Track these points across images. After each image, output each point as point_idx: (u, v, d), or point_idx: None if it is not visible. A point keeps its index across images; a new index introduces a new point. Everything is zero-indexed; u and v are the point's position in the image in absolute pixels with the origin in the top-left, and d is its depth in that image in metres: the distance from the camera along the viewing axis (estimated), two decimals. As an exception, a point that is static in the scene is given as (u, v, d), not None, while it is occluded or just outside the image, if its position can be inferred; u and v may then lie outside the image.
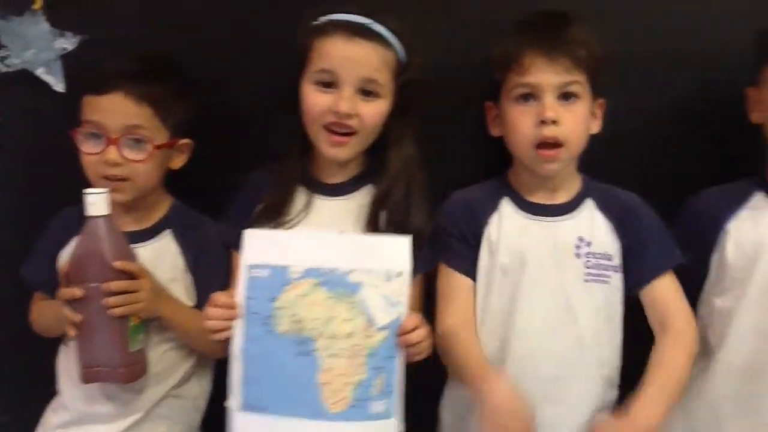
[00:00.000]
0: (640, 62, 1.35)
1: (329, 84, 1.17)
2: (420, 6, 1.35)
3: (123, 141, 1.21)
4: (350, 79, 1.16)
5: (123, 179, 1.23)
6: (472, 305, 1.23)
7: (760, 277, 1.20)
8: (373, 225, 1.20)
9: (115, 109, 1.21)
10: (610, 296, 1.22)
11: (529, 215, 1.25)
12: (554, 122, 1.17)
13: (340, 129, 1.18)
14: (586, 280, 1.21)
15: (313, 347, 1.09)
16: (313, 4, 1.22)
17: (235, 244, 1.15)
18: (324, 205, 1.24)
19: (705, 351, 1.25)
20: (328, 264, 1.10)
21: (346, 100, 1.15)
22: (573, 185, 1.26)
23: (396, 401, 1.09)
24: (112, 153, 1.21)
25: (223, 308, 1.09)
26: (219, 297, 1.11)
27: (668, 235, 1.24)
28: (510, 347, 1.20)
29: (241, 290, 1.11)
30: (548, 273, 1.20)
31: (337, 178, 1.25)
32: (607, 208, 1.24)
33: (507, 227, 1.24)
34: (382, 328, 1.10)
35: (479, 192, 1.29)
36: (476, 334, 1.22)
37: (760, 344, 1.19)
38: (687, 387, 1.21)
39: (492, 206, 1.26)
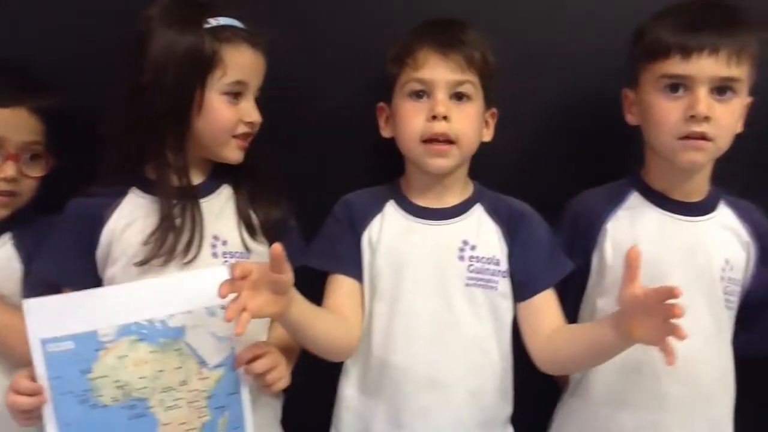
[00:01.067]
0: (521, 67, 1.34)
1: (238, 94, 1.17)
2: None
3: (22, 157, 1.21)
4: (254, 88, 1.19)
5: (12, 194, 1.21)
6: (347, 303, 1.21)
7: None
8: (247, 225, 1.21)
9: (18, 124, 1.20)
10: (497, 302, 1.21)
11: (413, 218, 1.24)
12: (445, 118, 1.16)
13: (247, 137, 1.21)
14: (468, 284, 1.19)
15: (147, 406, 1.04)
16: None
17: (61, 281, 1.15)
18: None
19: None
20: (143, 315, 1.04)
21: (255, 110, 1.19)
22: (464, 190, 1.25)
23: None
24: (11, 169, 1.19)
25: (27, 395, 1.00)
26: (20, 381, 1.01)
27: (558, 247, 1.24)
28: (391, 351, 1.18)
29: (40, 372, 1.00)
30: (429, 275, 1.19)
31: (197, 179, 1.22)
32: (496, 213, 1.24)
33: (389, 229, 1.23)
34: (217, 367, 1.07)
35: (367, 195, 1.28)
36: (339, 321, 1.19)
37: None
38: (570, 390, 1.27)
39: (376, 208, 1.25)
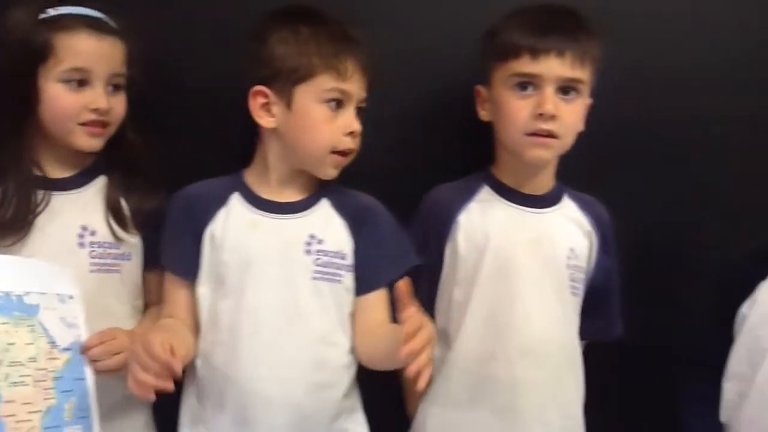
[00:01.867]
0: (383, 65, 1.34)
1: (82, 81, 1.17)
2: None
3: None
4: (104, 74, 1.18)
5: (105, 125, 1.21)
6: (184, 308, 1.20)
7: (488, 266, 1.25)
8: (115, 214, 1.22)
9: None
10: (341, 296, 1.21)
11: (259, 211, 1.21)
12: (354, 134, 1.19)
13: (96, 124, 1.19)
14: (315, 278, 1.19)
15: None
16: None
17: None
18: (58, 200, 1.22)
19: (446, 342, 1.29)
20: (1, 288, 1.05)
21: (103, 98, 1.18)
22: (309, 184, 1.24)
23: (93, 425, 1.08)
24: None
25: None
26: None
27: (404, 242, 1.25)
28: (239, 348, 1.16)
29: None
30: (276, 270, 1.18)
31: (67, 172, 1.24)
32: (342, 207, 1.23)
33: (234, 223, 1.20)
34: (65, 350, 1.08)
35: (209, 186, 1.24)
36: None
37: (488, 330, 1.25)
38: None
39: (220, 201, 1.21)
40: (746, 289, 1.23)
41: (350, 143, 1.19)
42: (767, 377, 1.16)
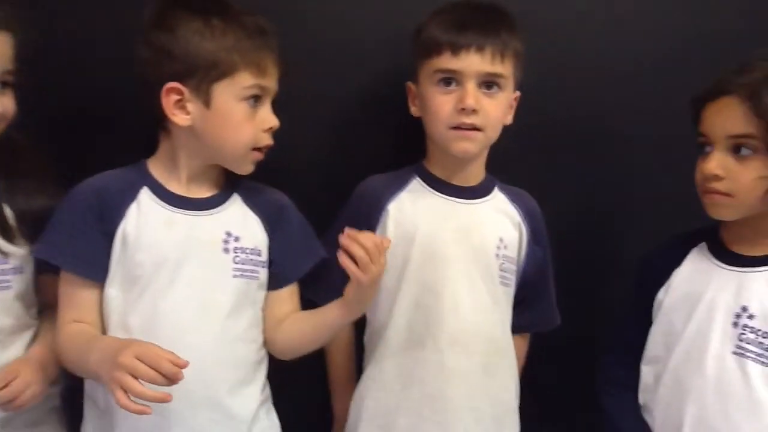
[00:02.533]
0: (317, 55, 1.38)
1: None
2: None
3: None
4: None
5: None
6: (93, 313, 1.15)
7: (417, 255, 1.28)
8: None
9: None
10: (256, 292, 1.22)
11: (172, 208, 1.17)
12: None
13: None
14: (235, 276, 1.18)
15: None
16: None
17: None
18: None
19: (376, 330, 1.32)
20: None
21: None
22: (218, 179, 1.23)
23: None
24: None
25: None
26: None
27: (313, 236, 1.28)
28: None
29: None
30: (194, 269, 1.15)
31: None
32: (254, 203, 1.23)
33: (147, 221, 1.15)
34: None
35: (114, 179, 1.18)
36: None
37: (418, 319, 1.28)
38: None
39: (129, 196, 1.16)
40: (663, 276, 1.28)
41: (268, 139, 1.18)
42: (679, 360, 1.21)
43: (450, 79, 1.25)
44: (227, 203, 1.21)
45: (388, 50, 1.41)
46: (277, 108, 1.18)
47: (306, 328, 1.21)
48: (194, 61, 1.10)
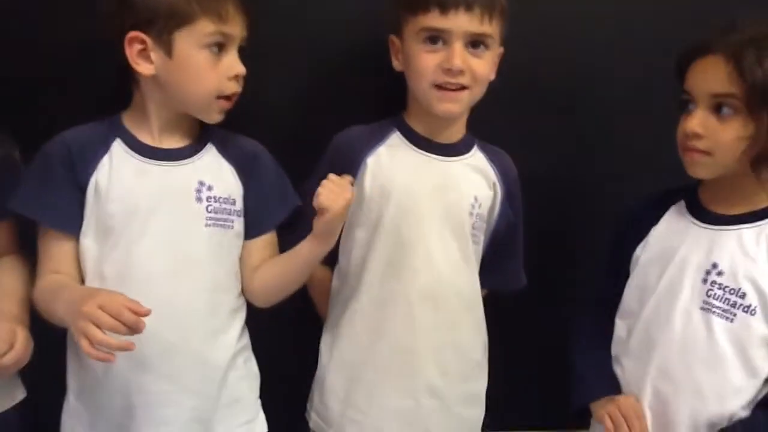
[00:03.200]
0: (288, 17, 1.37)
1: None
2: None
3: None
4: None
5: None
6: (72, 265, 1.17)
7: (392, 210, 1.29)
8: None
9: None
10: (232, 241, 1.23)
11: (145, 158, 1.19)
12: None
13: None
14: (207, 225, 1.19)
15: None
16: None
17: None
18: None
19: (347, 282, 1.33)
20: None
21: None
22: (192, 129, 1.23)
23: None
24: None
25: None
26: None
27: (288, 183, 1.30)
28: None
29: None
30: (166, 218, 1.17)
31: None
32: (229, 152, 1.24)
33: (119, 172, 1.17)
34: None
35: (87, 132, 1.19)
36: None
37: (389, 273, 1.29)
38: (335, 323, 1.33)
39: (101, 148, 1.17)
40: (641, 233, 1.30)
41: (235, 87, 1.17)
42: (650, 314, 1.23)
43: (436, 37, 1.23)
44: (201, 153, 1.22)
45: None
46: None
47: (280, 270, 1.24)
48: (154, 10, 1.10)
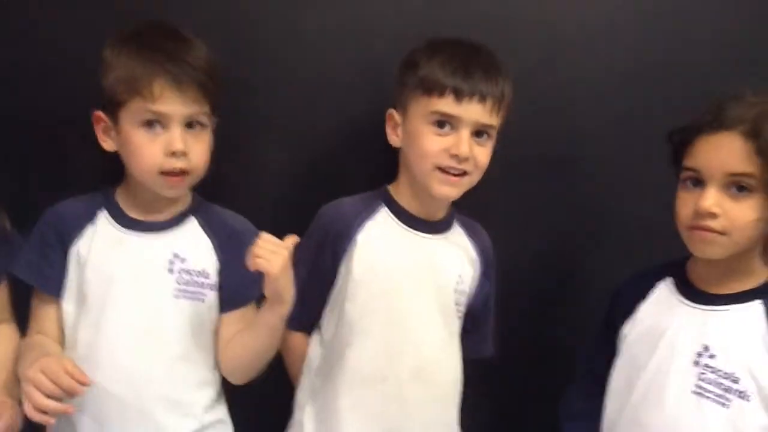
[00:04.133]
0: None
1: None
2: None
3: None
4: None
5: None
6: (55, 328, 1.23)
7: (380, 288, 1.27)
8: None
9: None
10: (203, 314, 1.23)
11: (125, 229, 1.23)
12: (184, 153, 1.18)
13: None
14: (177, 296, 1.21)
15: None
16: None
17: None
18: None
19: (332, 356, 1.29)
20: None
21: None
22: (181, 202, 1.26)
23: None
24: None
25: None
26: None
27: None
28: (95, 366, 1.16)
29: None
30: (136, 288, 1.20)
31: None
32: (210, 226, 1.26)
33: (99, 241, 1.22)
34: None
35: (77, 204, 1.25)
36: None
37: (379, 351, 1.27)
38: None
39: (88, 219, 1.23)
40: (628, 309, 1.27)
41: (178, 163, 1.17)
42: (640, 396, 1.20)
43: (444, 122, 1.24)
44: (180, 225, 1.24)
45: (361, 70, 1.42)
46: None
47: (248, 339, 1.23)
48: (105, 91, 1.17)
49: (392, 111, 1.30)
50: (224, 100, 1.22)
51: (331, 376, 1.28)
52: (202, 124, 1.19)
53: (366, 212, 1.31)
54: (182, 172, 1.18)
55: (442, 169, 1.24)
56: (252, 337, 1.22)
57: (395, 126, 1.30)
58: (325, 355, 1.31)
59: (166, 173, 1.17)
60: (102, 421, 1.17)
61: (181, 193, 1.23)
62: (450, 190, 1.26)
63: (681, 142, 1.19)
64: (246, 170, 1.26)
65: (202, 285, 1.22)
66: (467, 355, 1.38)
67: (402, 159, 1.32)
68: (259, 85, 1.39)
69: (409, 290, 1.28)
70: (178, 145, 1.16)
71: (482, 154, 1.26)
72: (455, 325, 1.33)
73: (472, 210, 1.38)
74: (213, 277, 1.23)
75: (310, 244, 1.27)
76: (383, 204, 1.32)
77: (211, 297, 1.23)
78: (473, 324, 1.38)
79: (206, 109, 1.18)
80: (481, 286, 1.37)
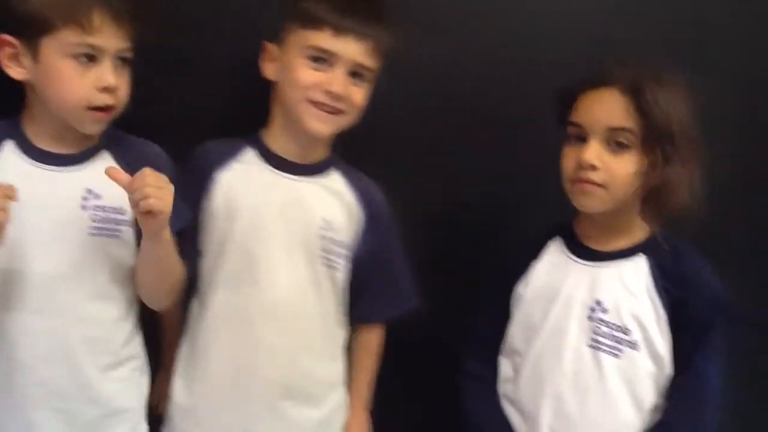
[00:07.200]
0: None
1: None
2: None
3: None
4: None
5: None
6: None
7: (239, 226, 1.26)
8: None
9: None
10: (120, 250, 1.20)
11: (33, 162, 1.16)
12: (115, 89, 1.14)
13: None
14: (92, 234, 1.17)
15: None
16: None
17: None
18: None
19: (201, 301, 1.28)
20: None
21: None
22: (90, 136, 1.20)
23: None
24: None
25: None
26: None
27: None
28: (11, 306, 1.14)
29: None
30: (50, 226, 1.15)
31: None
32: (125, 159, 1.20)
33: (5, 174, 1.12)
34: None
35: None
36: None
37: (236, 290, 1.26)
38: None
39: None
40: (522, 270, 1.30)
41: (107, 99, 1.14)
42: (538, 354, 1.24)
43: (322, 59, 1.22)
44: (93, 159, 1.19)
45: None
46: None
47: (142, 267, 1.20)
48: (24, 15, 1.10)
49: (268, 44, 1.28)
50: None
51: (200, 316, 1.29)
52: (127, 61, 1.16)
53: (230, 153, 1.30)
54: (109, 108, 1.15)
55: (315, 104, 1.23)
56: (144, 265, 1.19)
57: (271, 59, 1.27)
58: (198, 300, 1.30)
59: (94, 108, 1.13)
60: (24, 360, 1.14)
61: (103, 128, 1.18)
62: (321, 126, 1.25)
63: (566, 99, 1.24)
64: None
65: (117, 222, 1.18)
66: (381, 315, 1.37)
67: (276, 95, 1.28)
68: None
69: (268, 230, 1.26)
70: (111, 80, 1.13)
71: (357, 94, 1.25)
72: (322, 273, 1.29)
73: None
74: (129, 213, 1.17)
75: (178, 188, 1.19)
76: (250, 146, 1.30)
77: (128, 233, 1.19)
78: (375, 283, 1.35)
79: (130, 45, 1.16)
80: (368, 239, 1.33)
